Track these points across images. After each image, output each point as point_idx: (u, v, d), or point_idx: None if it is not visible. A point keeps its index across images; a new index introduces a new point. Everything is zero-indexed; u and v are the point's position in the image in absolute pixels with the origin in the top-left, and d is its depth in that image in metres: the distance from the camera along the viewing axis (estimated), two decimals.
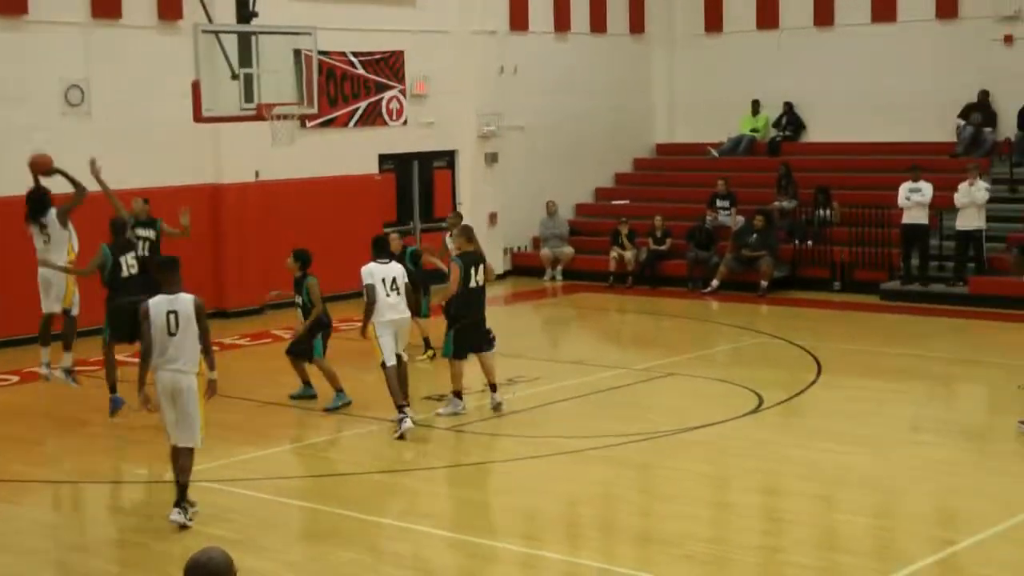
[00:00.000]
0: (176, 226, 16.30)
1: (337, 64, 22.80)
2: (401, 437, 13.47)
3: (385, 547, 10.65)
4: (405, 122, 24.19)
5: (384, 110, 23.85)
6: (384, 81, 23.75)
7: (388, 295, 13.81)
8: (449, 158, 25.21)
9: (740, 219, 24.08)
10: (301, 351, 15.16)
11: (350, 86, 23.20)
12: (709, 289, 23.33)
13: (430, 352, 17.20)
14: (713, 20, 28.11)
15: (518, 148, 25.81)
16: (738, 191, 24.82)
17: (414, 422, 13.66)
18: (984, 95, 24.73)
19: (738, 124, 27.50)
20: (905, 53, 25.61)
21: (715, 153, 27.30)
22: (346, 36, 22.51)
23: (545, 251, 25.65)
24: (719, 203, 24.64)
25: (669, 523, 10.91)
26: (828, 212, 23.68)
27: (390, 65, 23.83)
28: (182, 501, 10.81)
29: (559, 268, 25.53)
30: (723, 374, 16.68)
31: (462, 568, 10.19)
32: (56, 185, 15.15)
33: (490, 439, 13.79)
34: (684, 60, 28.58)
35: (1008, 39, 24.74)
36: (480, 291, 14.36)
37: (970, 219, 21.40)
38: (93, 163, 15.08)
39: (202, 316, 10.78)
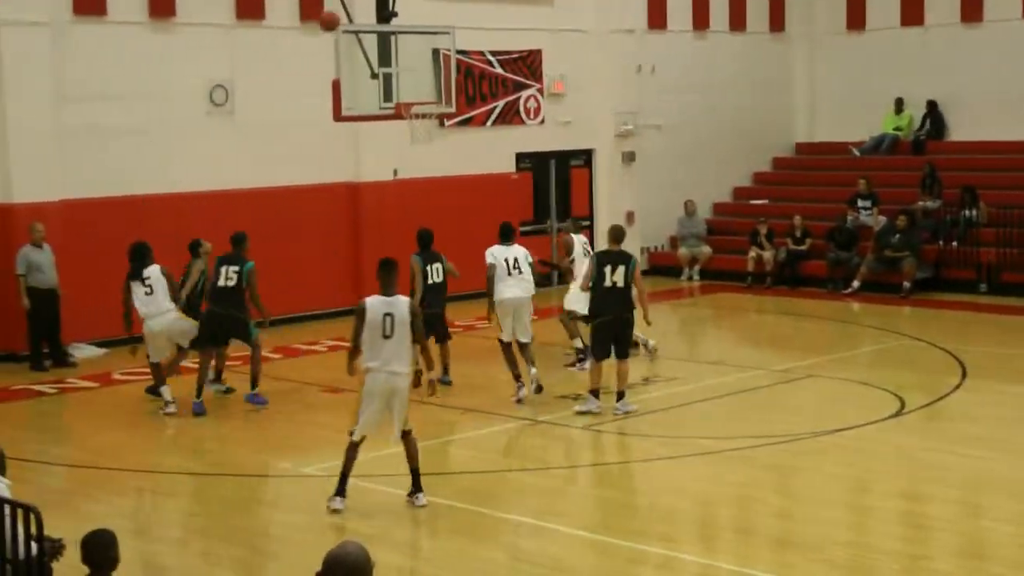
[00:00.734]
0: None
1: (475, 63, 22.91)
2: (519, 401, 14.83)
3: (521, 545, 10.66)
4: (542, 121, 24.23)
5: (522, 109, 23.91)
6: (522, 80, 23.82)
7: (510, 273, 15.15)
8: (586, 157, 25.19)
9: (882, 219, 23.67)
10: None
11: (488, 85, 23.31)
12: (850, 290, 22.97)
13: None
14: (855, 18, 27.65)
15: (655, 147, 25.68)
16: (880, 191, 24.39)
17: (536, 389, 14.98)
18: None
19: (880, 123, 27.03)
20: None
21: (856, 152, 26.86)
22: (484, 35, 22.62)
23: (683, 250, 25.47)
24: (860, 203, 24.25)
25: (808, 527, 10.76)
26: (975, 212, 23.15)
27: (528, 64, 23.88)
28: (416, 490, 11.24)
29: (696, 268, 25.34)
30: (864, 376, 16.39)
31: (598, 568, 10.16)
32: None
33: (627, 439, 13.74)
34: (825, 58, 28.16)
35: None
36: (616, 290, 14.23)
37: None
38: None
39: (417, 318, 11.02)
